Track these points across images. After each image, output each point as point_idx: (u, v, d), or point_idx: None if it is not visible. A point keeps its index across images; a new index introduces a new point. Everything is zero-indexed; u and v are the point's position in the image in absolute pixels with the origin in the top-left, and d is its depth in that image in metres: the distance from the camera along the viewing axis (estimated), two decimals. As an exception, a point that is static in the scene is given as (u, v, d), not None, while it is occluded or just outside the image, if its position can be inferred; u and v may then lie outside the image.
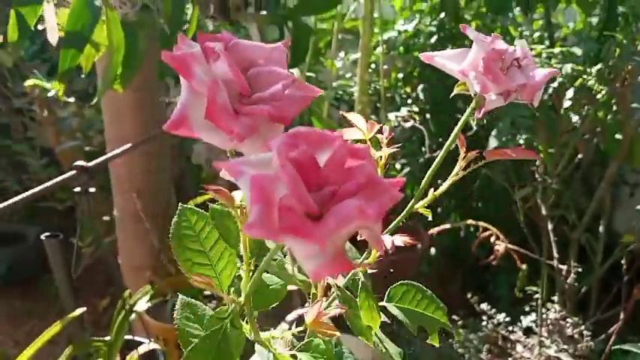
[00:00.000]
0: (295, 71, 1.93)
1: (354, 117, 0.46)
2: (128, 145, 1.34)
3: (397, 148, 0.45)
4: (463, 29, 0.41)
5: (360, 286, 0.45)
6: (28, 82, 2.16)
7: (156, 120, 1.48)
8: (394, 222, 0.46)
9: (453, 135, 0.43)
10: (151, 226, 1.54)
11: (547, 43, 1.97)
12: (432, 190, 0.46)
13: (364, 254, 0.47)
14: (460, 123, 0.43)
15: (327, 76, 2.27)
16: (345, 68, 2.35)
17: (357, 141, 0.47)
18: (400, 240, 0.43)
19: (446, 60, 0.42)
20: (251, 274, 0.37)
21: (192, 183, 2.39)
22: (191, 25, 1.40)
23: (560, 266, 1.67)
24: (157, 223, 1.62)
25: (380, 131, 0.46)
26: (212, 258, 0.44)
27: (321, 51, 2.19)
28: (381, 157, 0.46)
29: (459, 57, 0.41)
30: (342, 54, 2.32)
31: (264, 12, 1.54)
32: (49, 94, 2.24)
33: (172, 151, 1.97)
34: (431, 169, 0.45)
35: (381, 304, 0.48)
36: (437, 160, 0.45)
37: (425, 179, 0.45)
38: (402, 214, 0.46)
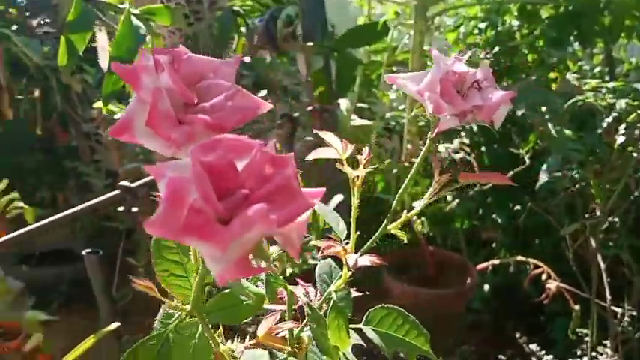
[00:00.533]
0: (344, 101, 1.95)
1: (328, 136, 0.46)
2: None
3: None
4: (429, 51, 0.42)
5: (331, 304, 0.45)
6: (97, 104, 2.28)
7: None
8: (367, 243, 0.46)
9: (423, 151, 0.43)
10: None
11: (607, 77, 1.91)
12: (406, 212, 0.45)
13: (343, 271, 0.47)
14: (425, 147, 0.43)
15: (380, 107, 2.28)
16: (399, 100, 2.36)
17: (334, 160, 0.47)
18: (367, 260, 0.43)
19: (407, 81, 0.42)
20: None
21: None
22: (238, 48, 1.45)
23: (614, 308, 1.59)
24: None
25: (359, 152, 0.46)
26: (188, 270, 0.45)
27: (373, 82, 2.20)
28: (357, 176, 0.46)
29: (419, 78, 0.41)
30: (395, 86, 2.33)
31: (310, 43, 1.58)
32: (115, 117, 2.36)
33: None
34: (402, 187, 0.45)
35: (358, 326, 0.47)
36: (411, 173, 0.45)
37: (397, 197, 0.45)
38: (376, 235, 0.46)
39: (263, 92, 2.64)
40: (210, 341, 0.40)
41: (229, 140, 0.29)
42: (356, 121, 1.94)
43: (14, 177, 2.16)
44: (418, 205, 0.45)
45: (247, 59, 2.58)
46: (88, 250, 1.17)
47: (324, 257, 0.44)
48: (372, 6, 2.24)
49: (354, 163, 0.47)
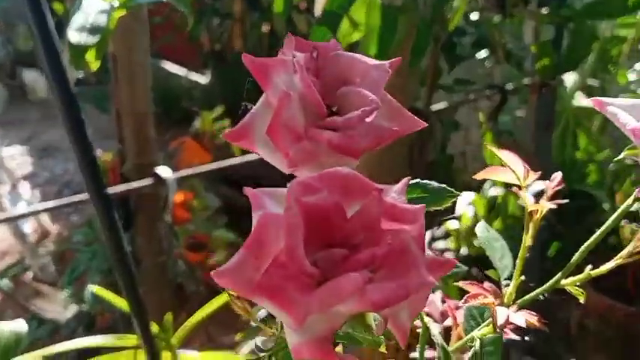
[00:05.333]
0: (571, 77, 1.74)
1: (506, 156, 0.38)
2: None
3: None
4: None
5: (471, 353, 0.37)
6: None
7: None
8: (531, 293, 0.37)
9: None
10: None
11: None
12: (590, 267, 0.36)
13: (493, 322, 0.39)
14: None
15: (614, 87, 2.01)
16: (640, 82, 2.05)
17: (509, 185, 0.39)
18: (521, 318, 0.35)
19: (620, 110, 0.31)
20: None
21: (442, 173, 2.34)
22: (455, 15, 1.34)
23: None
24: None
25: (543, 177, 0.38)
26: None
27: (612, 59, 1.93)
28: (537, 211, 0.38)
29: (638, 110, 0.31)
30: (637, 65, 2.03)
31: (544, 10, 1.41)
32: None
33: (423, 138, 1.94)
34: (592, 238, 0.35)
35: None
36: (606, 225, 0.35)
37: (580, 251, 0.36)
38: (543, 288, 0.37)
39: (483, 53, 2.48)
40: None
41: (343, 177, 0.23)
42: (581, 101, 1.73)
43: (232, 105, 2.30)
44: (608, 264, 0.35)
45: (474, 16, 2.43)
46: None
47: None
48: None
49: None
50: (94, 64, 0.88)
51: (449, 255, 1.47)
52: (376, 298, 0.20)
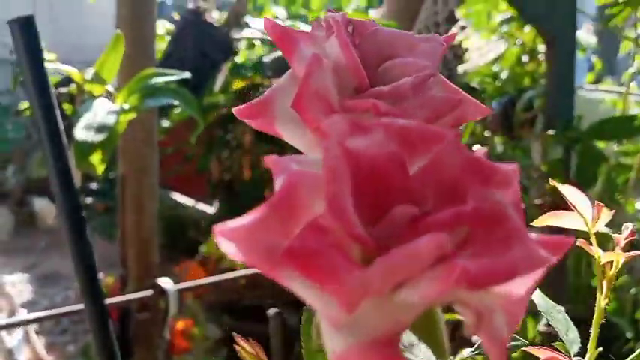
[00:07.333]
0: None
1: (569, 192, 0.31)
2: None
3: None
4: None
5: None
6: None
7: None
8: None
9: None
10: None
11: None
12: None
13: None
14: None
15: (622, 217, 1.97)
16: (648, 213, 2.02)
17: (577, 233, 0.32)
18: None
19: None
20: None
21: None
22: (463, 137, 1.34)
23: None
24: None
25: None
26: None
27: (617, 187, 1.92)
28: (610, 263, 0.31)
29: None
30: (645, 195, 2.00)
31: (551, 131, 1.40)
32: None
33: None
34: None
35: None
36: None
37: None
38: None
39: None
40: None
41: (401, 123, 0.16)
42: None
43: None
44: None
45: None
46: (277, 310, 1.10)
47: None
48: (627, 106, 1.98)
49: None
50: (100, 168, 0.85)
51: None
52: (474, 270, 0.13)
